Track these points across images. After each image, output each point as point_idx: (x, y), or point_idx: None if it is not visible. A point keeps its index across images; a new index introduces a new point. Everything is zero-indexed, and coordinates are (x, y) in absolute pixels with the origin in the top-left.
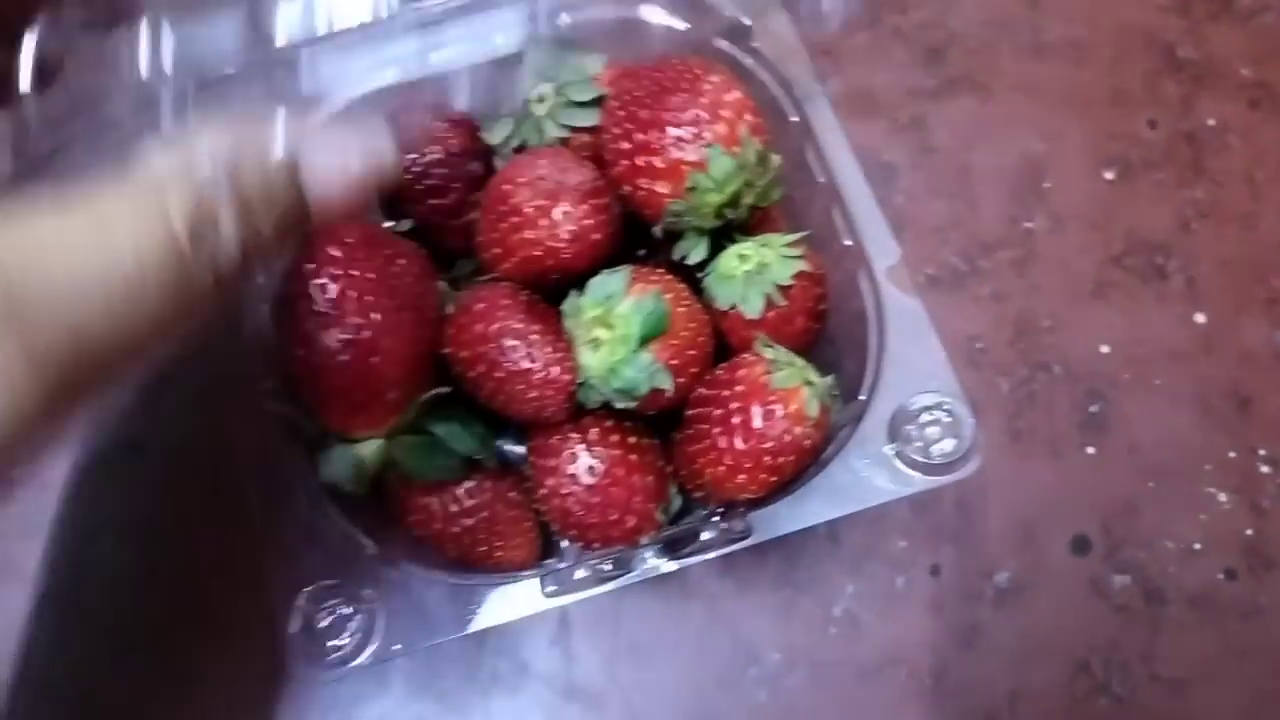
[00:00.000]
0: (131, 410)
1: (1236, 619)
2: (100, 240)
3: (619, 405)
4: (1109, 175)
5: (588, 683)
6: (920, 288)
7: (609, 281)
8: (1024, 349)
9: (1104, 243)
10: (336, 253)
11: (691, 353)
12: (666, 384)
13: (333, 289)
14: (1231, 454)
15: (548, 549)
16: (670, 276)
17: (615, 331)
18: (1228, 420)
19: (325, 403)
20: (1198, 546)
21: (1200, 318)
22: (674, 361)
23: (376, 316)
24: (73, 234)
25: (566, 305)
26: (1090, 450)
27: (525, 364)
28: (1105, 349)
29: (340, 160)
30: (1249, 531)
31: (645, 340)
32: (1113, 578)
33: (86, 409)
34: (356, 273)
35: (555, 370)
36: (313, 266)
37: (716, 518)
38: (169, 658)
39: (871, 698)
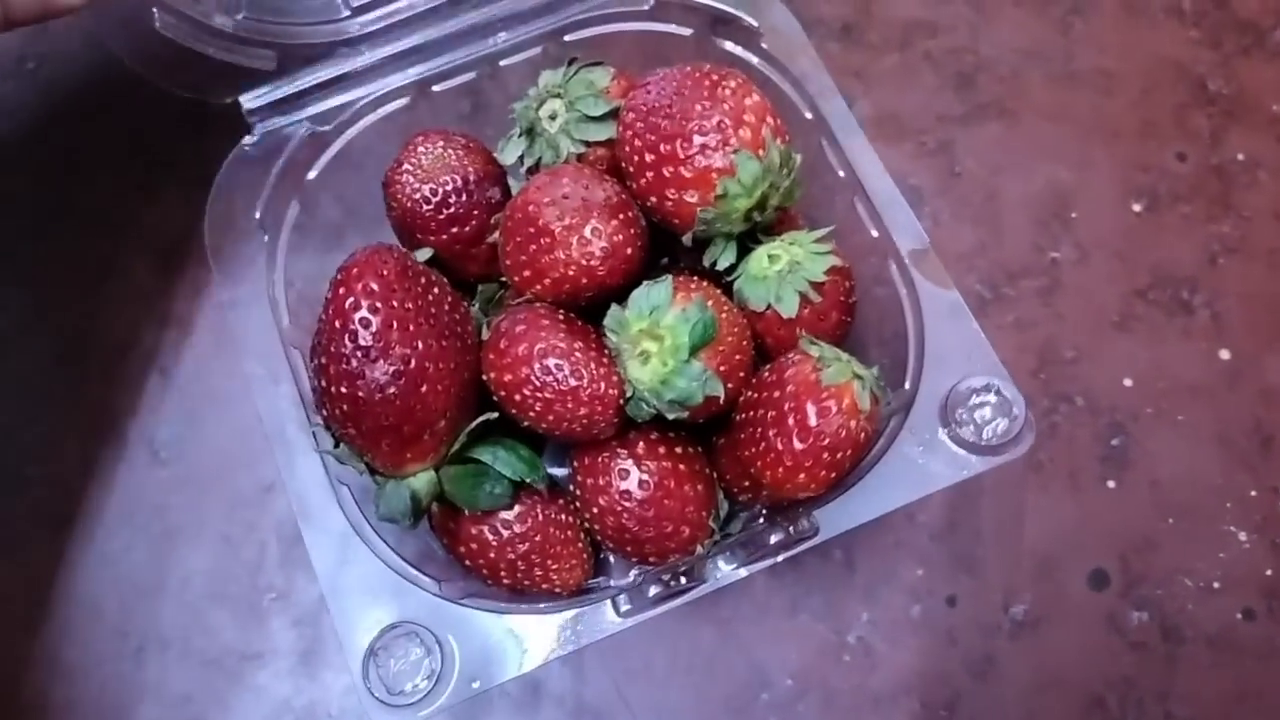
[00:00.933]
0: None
1: (1254, 660)
2: None
3: (671, 416)
4: (1137, 207)
5: (599, 703)
6: None
7: (653, 292)
8: (1046, 379)
9: (1130, 275)
10: (375, 285)
11: (738, 357)
12: (719, 391)
13: (375, 322)
14: (1253, 492)
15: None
16: (707, 283)
17: (664, 343)
18: (1250, 458)
19: (374, 439)
20: (1217, 585)
21: (1225, 354)
22: (723, 367)
23: (421, 346)
24: None
25: (609, 320)
26: (1111, 484)
27: (573, 381)
28: (1128, 382)
29: None
30: (1269, 571)
31: (695, 349)
32: (1130, 614)
33: None
34: (396, 304)
35: (602, 386)
36: (352, 301)
37: (760, 519)
38: None
39: None
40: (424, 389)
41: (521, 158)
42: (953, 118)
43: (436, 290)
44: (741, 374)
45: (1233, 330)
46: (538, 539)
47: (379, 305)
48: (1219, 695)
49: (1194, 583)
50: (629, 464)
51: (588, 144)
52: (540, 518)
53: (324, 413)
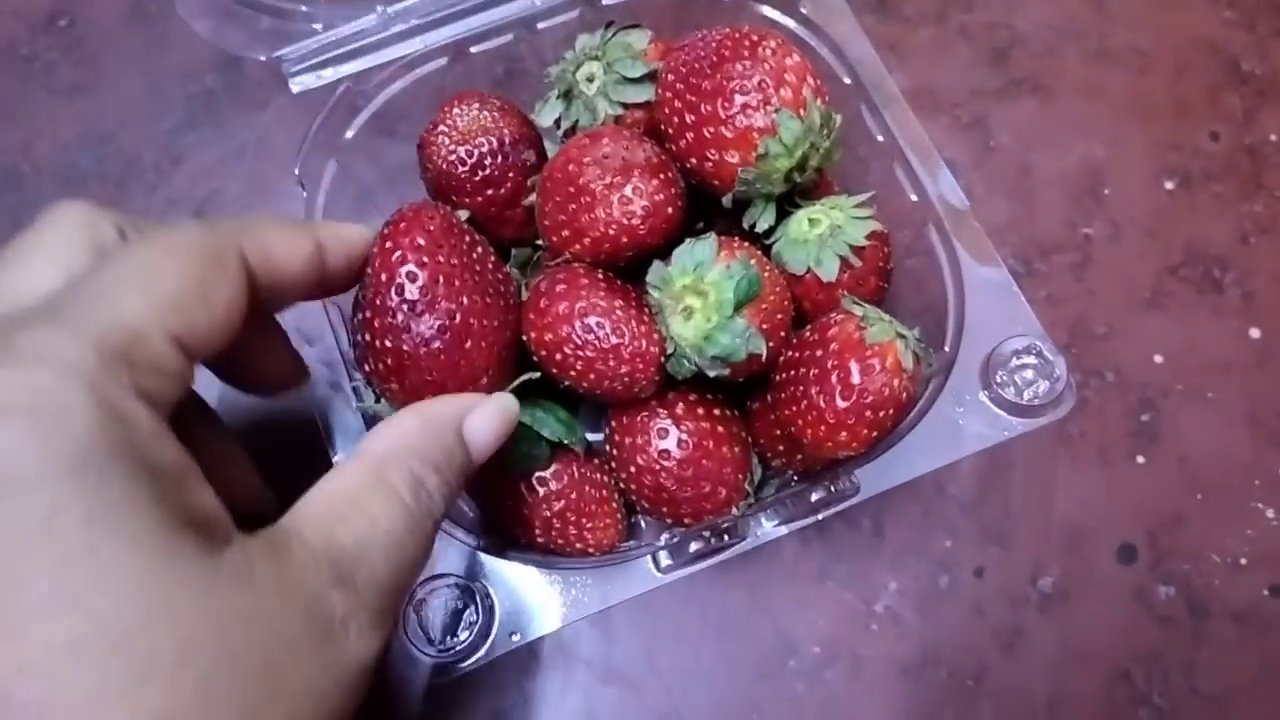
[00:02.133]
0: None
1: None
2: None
3: (712, 374)
4: (1169, 185)
5: (627, 667)
6: None
7: (698, 249)
8: (1078, 355)
9: (1161, 252)
10: (421, 240)
11: (779, 316)
12: (762, 348)
13: (422, 276)
14: None
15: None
16: (749, 244)
17: (709, 299)
18: (1278, 436)
19: (416, 395)
20: (1244, 561)
21: (1255, 332)
22: (765, 325)
23: (466, 301)
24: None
25: (651, 276)
26: (1140, 459)
27: (614, 339)
28: (1159, 359)
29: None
30: None
31: (740, 305)
32: (1157, 588)
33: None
34: (443, 259)
35: (644, 343)
36: (399, 255)
37: (794, 484)
38: None
39: (910, 696)
40: (468, 345)
41: (558, 121)
42: (987, 92)
43: (480, 249)
44: (782, 333)
45: (1263, 309)
46: (573, 497)
47: (425, 260)
48: (1245, 670)
49: (1221, 559)
50: (668, 423)
51: (625, 106)
52: (575, 476)
53: (366, 368)
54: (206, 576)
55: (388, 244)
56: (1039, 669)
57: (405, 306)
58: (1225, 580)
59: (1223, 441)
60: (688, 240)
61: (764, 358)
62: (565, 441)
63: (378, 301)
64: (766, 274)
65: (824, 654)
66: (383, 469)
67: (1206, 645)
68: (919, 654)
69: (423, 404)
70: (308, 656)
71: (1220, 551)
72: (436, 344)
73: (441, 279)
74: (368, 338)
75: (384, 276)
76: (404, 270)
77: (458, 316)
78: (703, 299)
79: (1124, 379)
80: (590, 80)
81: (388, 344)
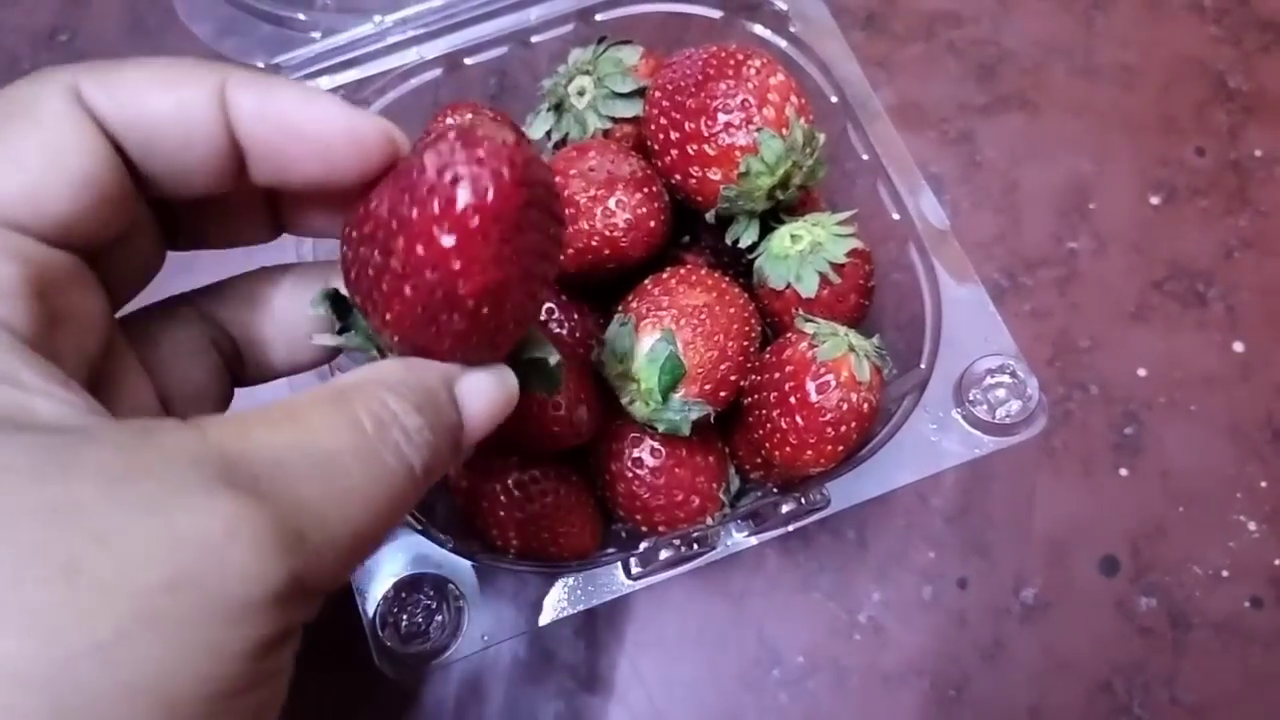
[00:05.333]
0: None
1: (1261, 647)
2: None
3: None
4: (1155, 200)
5: (611, 675)
6: None
7: (619, 337)
8: (1062, 368)
9: (1146, 267)
10: (505, 173)
11: (725, 367)
12: (706, 412)
13: (482, 226)
14: (1263, 483)
15: (605, 539)
16: (700, 273)
17: (641, 385)
18: (1261, 450)
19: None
20: (1225, 573)
21: (1239, 346)
22: (707, 386)
23: (512, 269)
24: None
25: (595, 358)
26: (1123, 472)
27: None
28: (1142, 372)
29: (498, 402)
30: (1277, 561)
31: (668, 391)
32: (1139, 600)
33: None
34: (506, 217)
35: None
36: (465, 190)
37: (775, 494)
38: None
39: (893, 706)
40: (505, 311)
41: (549, 133)
42: (974, 108)
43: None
44: (734, 377)
45: (1247, 323)
46: (548, 500)
47: (486, 217)
48: (1225, 681)
49: (1203, 570)
50: (641, 432)
51: (614, 120)
52: (553, 479)
53: (362, 290)
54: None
55: (451, 170)
56: (1021, 679)
57: (430, 297)
58: (1206, 592)
59: (1205, 454)
60: (615, 319)
61: (712, 416)
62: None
63: (390, 280)
64: (705, 320)
65: (807, 663)
66: (344, 393)
67: (1188, 656)
68: (902, 664)
69: (409, 359)
70: (151, 565)
71: (1202, 563)
72: (465, 340)
73: (487, 270)
74: (378, 258)
75: (408, 257)
76: (434, 256)
77: (497, 312)
78: (637, 385)
79: (1107, 392)
80: (581, 94)
81: (396, 327)
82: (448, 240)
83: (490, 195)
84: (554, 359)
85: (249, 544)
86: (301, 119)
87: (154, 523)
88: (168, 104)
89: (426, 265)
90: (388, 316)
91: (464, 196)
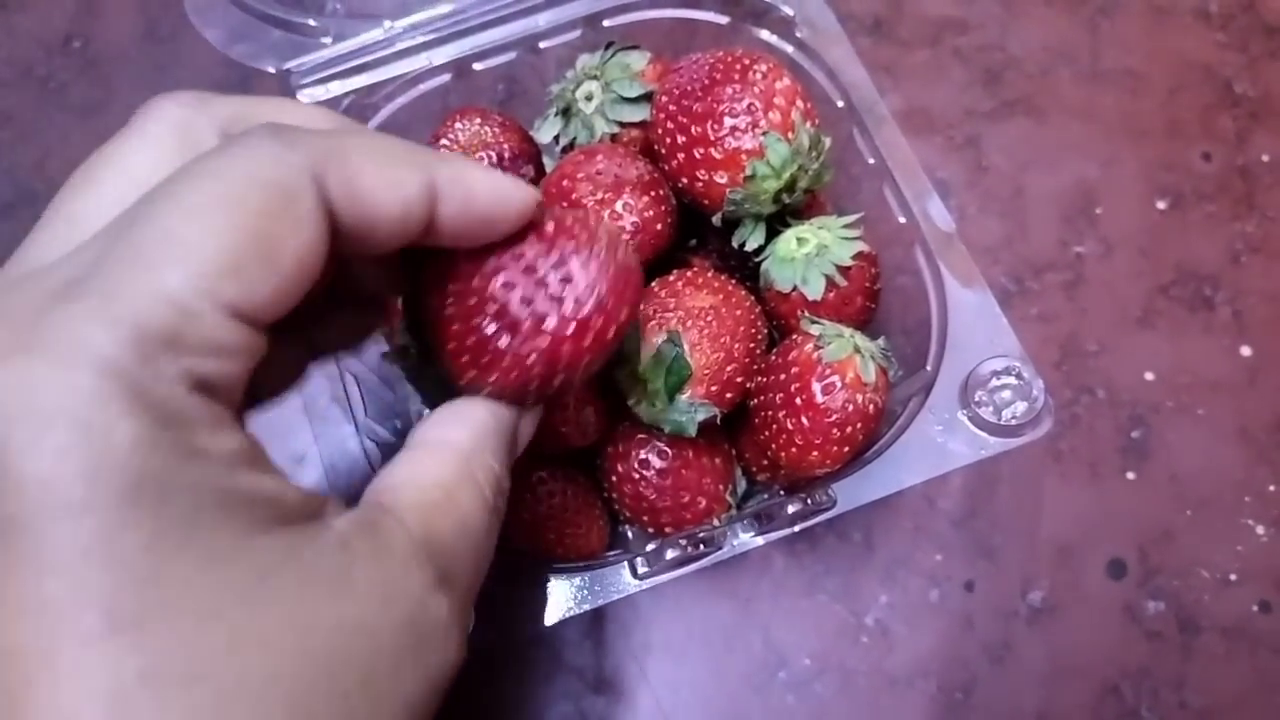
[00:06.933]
0: None
1: (1269, 651)
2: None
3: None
4: (1161, 205)
5: (617, 676)
6: None
7: (627, 338)
8: (1069, 372)
9: (1153, 271)
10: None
11: (730, 369)
12: (710, 414)
13: (589, 274)
14: (1271, 487)
15: (612, 540)
16: (706, 276)
17: (648, 386)
18: (1269, 453)
19: (502, 393)
20: (1233, 577)
21: (1246, 350)
22: (714, 388)
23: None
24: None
25: None
26: (1130, 475)
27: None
28: (1150, 376)
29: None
30: None
31: (674, 392)
32: (1147, 603)
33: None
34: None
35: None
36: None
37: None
38: None
39: (899, 709)
40: (593, 354)
41: (557, 137)
42: (981, 113)
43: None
44: (740, 379)
45: (1254, 327)
46: (556, 501)
47: (597, 261)
48: (1234, 685)
49: (1211, 574)
50: (648, 433)
51: (622, 125)
52: (561, 480)
53: (450, 345)
54: (300, 581)
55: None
56: (1028, 682)
57: (558, 296)
58: (1215, 596)
59: (1213, 458)
60: None
61: (719, 418)
62: None
63: (518, 278)
64: (710, 322)
65: (814, 666)
66: (470, 463)
67: (1195, 660)
68: (909, 666)
69: (495, 408)
70: (409, 668)
71: (1210, 567)
72: (542, 393)
73: (606, 283)
74: (493, 328)
75: (546, 255)
76: (575, 262)
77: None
78: (643, 386)
79: (1115, 396)
80: (589, 99)
81: (531, 356)
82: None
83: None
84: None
85: (450, 631)
86: (492, 205)
87: (405, 624)
88: (395, 206)
89: (561, 356)
90: (493, 377)
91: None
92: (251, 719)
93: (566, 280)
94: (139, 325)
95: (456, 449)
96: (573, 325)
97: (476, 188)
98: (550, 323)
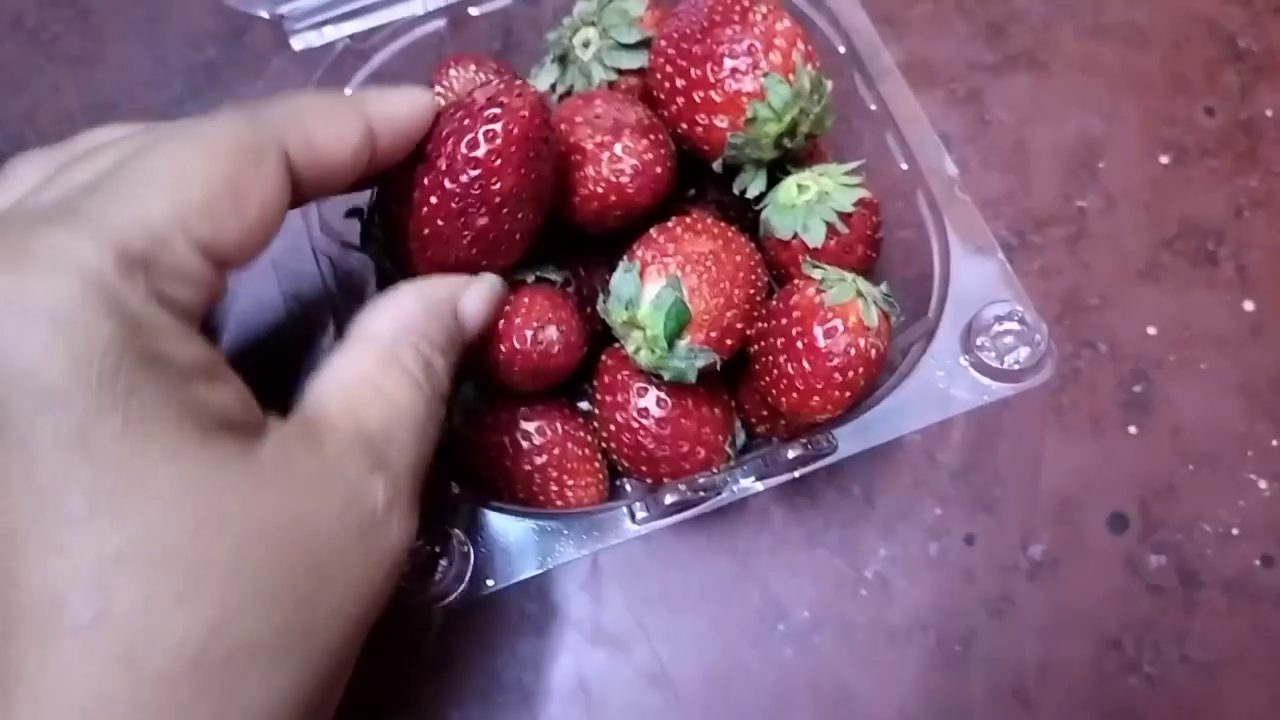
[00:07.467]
0: None
1: (1270, 606)
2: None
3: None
4: (1164, 159)
5: (616, 628)
6: None
7: (624, 283)
8: (1071, 326)
9: (1156, 225)
10: (515, 129)
11: (730, 314)
12: (712, 359)
13: (496, 172)
14: (1274, 442)
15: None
16: (706, 221)
17: (647, 332)
18: (1271, 408)
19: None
20: (1235, 532)
21: (1249, 305)
22: (713, 334)
23: (524, 205)
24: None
25: (600, 308)
26: (1132, 430)
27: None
28: (1152, 330)
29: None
30: None
31: (673, 338)
32: (1149, 557)
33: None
34: (519, 159)
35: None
36: (481, 146)
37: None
38: None
39: (899, 661)
40: (515, 240)
41: (554, 85)
42: (983, 66)
43: (549, 148)
44: (740, 325)
45: (1257, 282)
46: (555, 452)
47: (502, 157)
48: (1235, 640)
49: (1213, 528)
50: (647, 382)
51: (620, 72)
52: (560, 432)
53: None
54: (249, 477)
55: (470, 133)
56: (1028, 636)
57: (465, 192)
58: (1217, 550)
59: (1215, 413)
60: (620, 267)
61: (719, 365)
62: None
63: (431, 179)
64: (710, 268)
65: (813, 619)
66: (394, 351)
67: (1197, 615)
68: (908, 619)
69: (419, 283)
70: (353, 548)
71: (1212, 521)
72: (484, 236)
73: (512, 175)
74: (404, 208)
75: (452, 160)
76: (476, 158)
77: (511, 216)
78: (643, 332)
79: (1117, 350)
80: (586, 45)
81: (426, 222)
82: (487, 147)
83: (523, 118)
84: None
85: (390, 513)
86: (411, 121)
87: (343, 508)
88: (346, 154)
89: (468, 165)
90: (424, 210)
91: (503, 119)
92: (217, 595)
93: (493, 118)
94: (121, 245)
95: (378, 340)
96: (490, 169)
97: (398, 112)
98: (467, 175)
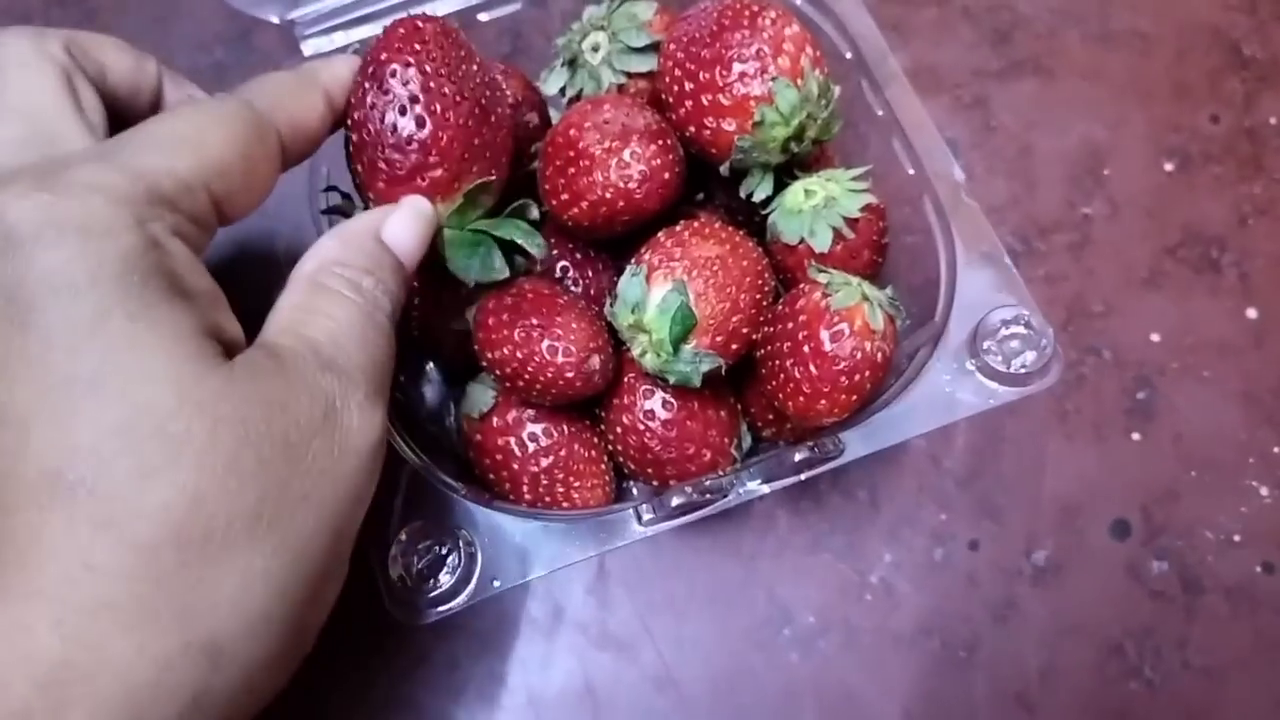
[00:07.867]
0: None
1: (1272, 612)
2: None
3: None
4: (1169, 166)
5: (621, 632)
6: None
7: (631, 287)
8: (1075, 332)
9: (1160, 233)
10: (417, 45)
11: (736, 319)
12: (715, 365)
13: (410, 78)
14: (1276, 449)
15: (618, 499)
16: (714, 226)
17: (653, 335)
18: (1274, 415)
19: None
20: (1237, 538)
21: (1252, 313)
22: (719, 338)
23: (447, 107)
24: None
25: (607, 312)
26: (1135, 436)
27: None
28: (1155, 337)
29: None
30: None
31: (679, 342)
32: (1151, 564)
33: None
34: (430, 67)
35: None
36: (390, 63)
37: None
38: None
39: (903, 666)
40: (444, 144)
41: (563, 89)
42: (989, 73)
43: (473, 63)
44: (746, 330)
45: (1260, 290)
46: (562, 454)
47: (412, 63)
48: (1237, 646)
49: (1215, 535)
50: (654, 384)
51: (629, 75)
52: (566, 433)
53: (355, 179)
54: (224, 374)
55: (382, 54)
56: (1032, 641)
57: (388, 107)
58: (1219, 557)
59: (1218, 420)
60: (627, 271)
61: (723, 369)
62: (524, 245)
63: (364, 110)
64: (716, 273)
65: (818, 623)
66: (317, 279)
67: (1199, 621)
68: (913, 624)
69: (338, 225)
70: (318, 433)
71: (1214, 528)
72: (414, 146)
73: (431, 85)
74: (354, 144)
75: (372, 85)
76: (391, 72)
77: (436, 117)
78: (648, 336)
79: (1120, 357)
80: (595, 49)
81: (368, 152)
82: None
83: (401, 34)
84: (495, 254)
85: (348, 405)
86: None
87: (305, 403)
88: (317, 123)
89: (368, 94)
90: (356, 152)
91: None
92: (196, 467)
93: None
94: (153, 183)
95: (303, 276)
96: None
97: (344, 75)
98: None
